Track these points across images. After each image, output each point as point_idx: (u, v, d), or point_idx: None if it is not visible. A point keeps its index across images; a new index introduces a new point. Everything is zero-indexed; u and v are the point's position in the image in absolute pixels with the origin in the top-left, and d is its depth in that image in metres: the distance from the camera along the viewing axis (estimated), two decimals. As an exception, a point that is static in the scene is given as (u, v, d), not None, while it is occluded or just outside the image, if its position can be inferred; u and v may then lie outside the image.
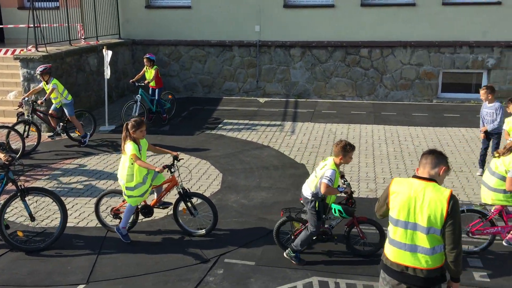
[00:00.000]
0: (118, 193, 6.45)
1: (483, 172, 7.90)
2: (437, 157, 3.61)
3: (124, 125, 6.04)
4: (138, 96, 10.78)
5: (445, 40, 12.72)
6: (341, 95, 13.55)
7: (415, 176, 3.64)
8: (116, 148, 9.69)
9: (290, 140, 10.10)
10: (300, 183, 7.85)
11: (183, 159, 6.15)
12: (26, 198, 6.01)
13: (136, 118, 6.19)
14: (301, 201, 5.71)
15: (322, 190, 5.31)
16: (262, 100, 13.53)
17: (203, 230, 6.27)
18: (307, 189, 5.58)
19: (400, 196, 3.57)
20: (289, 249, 5.64)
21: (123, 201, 6.30)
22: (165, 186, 6.39)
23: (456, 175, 8.20)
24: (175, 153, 6.22)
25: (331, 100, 13.43)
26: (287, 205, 7.08)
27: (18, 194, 5.93)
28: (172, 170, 6.09)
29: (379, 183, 7.94)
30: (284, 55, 13.59)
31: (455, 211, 3.43)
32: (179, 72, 14.23)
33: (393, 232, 3.62)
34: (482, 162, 8.10)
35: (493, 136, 7.90)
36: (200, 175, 8.30)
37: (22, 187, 5.96)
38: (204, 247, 5.98)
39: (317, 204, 5.43)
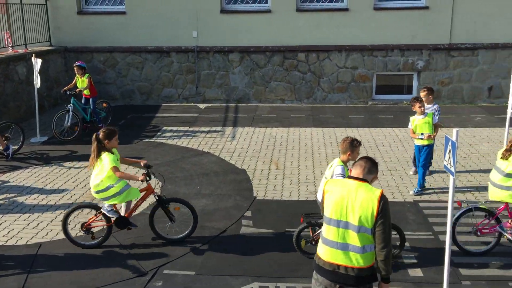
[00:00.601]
0: (88, 207, 6.28)
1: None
2: (373, 165, 3.80)
3: (94, 136, 5.80)
4: (70, 105, 10.40)
5: (378, 43, 13.16)
6: (281, 99, 13.70)
7: (349, 177, 3.72)
8: (47, 160, 9.27)
9: (230, 146, 10.07)
10: (241, 188, 7.87)
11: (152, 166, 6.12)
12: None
13: (107, 127, 6.03)
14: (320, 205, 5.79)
15: None
16: (202, 106, 13.43)
17: (183, 234, 6.20)
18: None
19: (334, 195, 3.65)
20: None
21: (95, 215, 6.09)
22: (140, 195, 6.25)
23: (391, 174, 8.48)
24: (145, 161, 6.10)
25: (271, 104, 13.55)
26: (228, 211, 7.06)
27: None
28: (147, 178, 5.95)
29: (319, 185, 8.06)
30: (223, 60, 13.57)
31: (385, 210, 3.53)
32: (115, 79, 13.86)
33: (326, 231, 3.68)
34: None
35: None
36: (139, 185, 8.08)
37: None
38: (142, 259, 5.82)
39: None
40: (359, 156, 4.38)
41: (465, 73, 13.16)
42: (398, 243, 5.72)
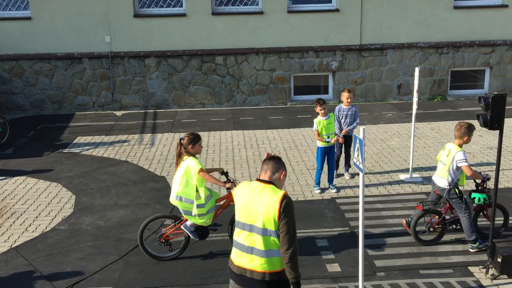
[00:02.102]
0: (168, 217, 5.93)
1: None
2: (277, 163, 3.75)
3: (178, 141, 5.63)
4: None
5: (293, 46, 13.44)
6: (201, 103, 13.59)
7: (257, 179, 3.71)
8: None
9: (149, 153, 9.81)
10: (162, 196, 7.68)
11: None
12: None
13: (191, 131, 5.75)
14: (436, 194, 6.04)
15: (469, 173, 5.72)
16: (119, 113, 12.99)
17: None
18: (441, 180, 5.90)
19: (241, 198, 3.64)
20: (470, 244, 5.90)
21: (174, 225, 5.76)
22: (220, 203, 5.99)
23: (309, 172, 8.66)
24: (221, 168, 5.96)
25: (191, 109, 13.39)
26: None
27: None
28: (234, 185, 5.67)
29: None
30: (139, 66, 13.22)
31: (288, 211, 3.50)
32: (23, 88, 13.04)
33: (236, 234, 3.65)
34: (337, 165, 8.37)
35: (350, 138, 8.19)
36: (50, 199, 7.65)
37: None
38: (54, 279, 5.49)
39: (457, 190, 5.84)
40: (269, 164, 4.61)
41: (376, 72, 13.79)
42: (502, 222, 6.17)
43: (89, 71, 13.11)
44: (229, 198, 5.89)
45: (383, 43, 13.57)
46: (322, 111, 7.60)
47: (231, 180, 5.80)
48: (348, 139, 8.17)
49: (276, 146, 10.18)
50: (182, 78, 13.41)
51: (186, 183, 5.54)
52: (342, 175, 8.43)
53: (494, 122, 5.01)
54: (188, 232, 5.72)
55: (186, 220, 5.70)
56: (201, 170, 5.49)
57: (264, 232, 3.51)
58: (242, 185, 3.77)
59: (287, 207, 3.51)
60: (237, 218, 3.65)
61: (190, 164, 5.52)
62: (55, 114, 13.01)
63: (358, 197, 7.58)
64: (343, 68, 13.70)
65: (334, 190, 7.90)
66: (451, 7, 13.38)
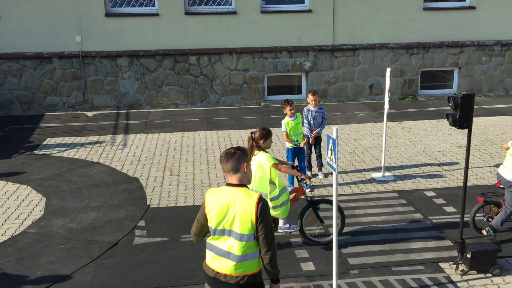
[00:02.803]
0: None
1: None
2: (233, 160, 3.57)
3: (249, 135, 5.67)
4: None
5: (266, 46, 13.48)
6: (174, 103, 13.49)
7: (228, 184, 3.64)
8: None
9: (122, 154, 9.69)
10: (134, 197, 7.59)
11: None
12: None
13: (263, 126, 5.69)
14: (499, 186, 6.09)
15: None
16: (90, 113, 12.77)
17: (329, 236, 6.05)
18: (508, 172, 5.83)
19: (216, 205, 3.56)
20: (488, 227, 6.00)
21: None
22: (291, 196, 6.02)
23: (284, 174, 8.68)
24: (290, 163, 6.09)
25: (164, 109, 13.27)
26: (120, 223, 6.77)
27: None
28: (310, 178, 6.14)
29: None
30: (111, 66, 13.03)
31: (265, 214, 3.48)
32: (-10, 88, 12.70)
33: (211, 239, 3.62)
34: (310, 165, 8.40)
35: (319, 138, 8.31)
36: (20, 202, 7.47)
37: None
38: (24, 283, 5.36)
39: None
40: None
41: (348, 72, 13.95)
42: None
43: (59, 71, 12.85)
44: (300, 191, 6.15)
45: (355, 44, 13.74)
46: (292, 111, 7.64)
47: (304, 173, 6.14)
48: (317, 140, 8.26)
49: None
50: (155, 78, 13.29)
51: (259, 178, 5.62)
52: (317, 175, 8.49)
53: (462, 122, 5.13)
54: (286, 230, 5.93)
55: None
56: (274, 165, 5.61)
57: (242, 238, 3.48)
58: (212, 191, 3.66)
59: (263, 209, 3.47)
60: (212, 226, 3.57)
61: (262, 159, 5.60)
62: (24, 115, 12.71)
63: (331, 196, 7.68)
64: (316, 68, 13.81)
65: (308, 190, 7.94)
66: (421, 8, 13.65)
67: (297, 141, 7.69)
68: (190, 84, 13.46)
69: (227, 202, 3.52)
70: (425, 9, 13.67)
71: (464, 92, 5.25)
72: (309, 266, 5.67)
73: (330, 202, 6.14)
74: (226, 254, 3.51)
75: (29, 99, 12.89)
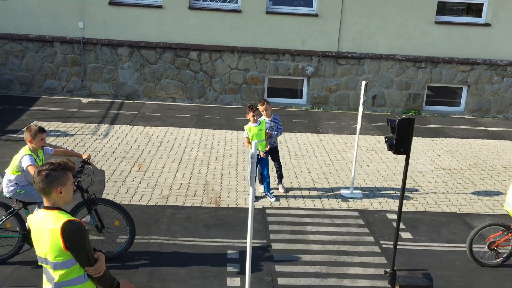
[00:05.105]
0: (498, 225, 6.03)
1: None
2: (46, 182, 3.17)
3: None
4: None
5: (269, 47, 13.25)
6: (172, 97, 13.44)
7: (44, 207, 3.31)
8: None
9: (99, 145, 9.68)
10: (93, 191, 7.50)
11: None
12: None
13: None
14: None
15: None
16: (85, 100, 12.86)
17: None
18: None
19: (33, 230, 3.32)
20: None
21: (506, 234, 5.91)
22: None
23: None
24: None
25: (160, 103, 13.23)
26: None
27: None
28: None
29: (174, 189, 7.91)
30: (111, 54, 13.08)
31: (74, 241, 3.17)
32: (-8, 67, 12.96)
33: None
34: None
35: (275, 149, 7.95)
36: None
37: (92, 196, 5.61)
38: None
39: None
40: None
41: (352, 81, 13.57)
42: None
43: (60, 55, 12.99)
44: None
45: (361, 52, 13.34)
46: (254, 118, 7.41)
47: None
48: (273, 151, 7.89)
49: (230, 148, 10.02)
50: (154, 71, 13.27)
51: None
52: (277, 188, 8.09)
53: (399, 147, 4.83)
54: None
55: None
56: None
57: (56, 266, 3.23)
58: (32, 216, 3.43)
59: (72, 236, 3.16)
60: (36, 252, 3.36)
61: None
62: (22, 96, 12.91)
63: (291, 208, 7.46)
64: (318, 74, 13.50)
65: (274, 199, 7.73)
66: (432, 21, 13.13)
67: (257, 149, 7.44)
68: (189, 80, 13.38)
69: (39, 227, 3.25)
70: (436, 22, 13.14)
71: (404, 116, 4.95)
72: (235, 282, 5.48)
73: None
74: (52, 279, 3.30)
75: (29, 81, 13.09)
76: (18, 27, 12.73)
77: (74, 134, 10.12)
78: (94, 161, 8.79)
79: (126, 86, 13.31)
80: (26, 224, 5.43)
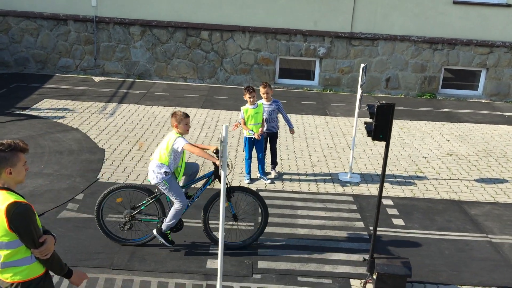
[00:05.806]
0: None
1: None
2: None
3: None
4: None
5: (281, 27, 13.06)
6: (183, 77, 13.46)
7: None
8: None
9: (104, 123, 9.81)
10: (88, 169, 7.65)
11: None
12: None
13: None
14: None
15: None
16: (97, 79, 13.01)
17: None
18: None
19: None
20: None
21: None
22: None
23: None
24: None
25: (171, 82, 13.27)
26: (59, 193, 6.86)
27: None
28: None
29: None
30: (124, 33, 13.15)
31: (18, 223, 3.18)
32: (8, 45, 13.21)
33: None
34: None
35: (274, 135, 7.85)
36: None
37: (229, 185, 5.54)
38: None
39: None
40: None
41: (365, 62, 13.18)
42: None
43: (74, 34, 13.13)
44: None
45: (375, 33, 13.02)
46: (251, 99, 7.34)
47: None
48: (272, 136, 7.80)
49: (230, 130, 9.97)
50: (165, 50, 13.28)
51: None
52: (269, 173, 7.99)
53: (378, 133, 4.71)
54: None
55: None
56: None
57: (1, 246, 3.24)
58: None
59: (16, 218, 3.16)
60: None
61: None
62: (37, 73, 13.15)
63: (284, 191, 7.42)
64: (331, 55, 13.26)
65: (268, 181, 7.71)
66: (450, 1, 12.65)
67: (252, 130, 7.40)
68: (200, 59, 13.35)
69: None
70: (455, 2, 12.66)
71: (384, 102, 4.83)
72: (215, 264, 5.50)
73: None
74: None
75: (43, 59, 13.31)
76: (32, 5, 12.90)
77: (81, 112, 10.27)
78: (96, 140, 8.92)
79: (138, 65, 13.39)
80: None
